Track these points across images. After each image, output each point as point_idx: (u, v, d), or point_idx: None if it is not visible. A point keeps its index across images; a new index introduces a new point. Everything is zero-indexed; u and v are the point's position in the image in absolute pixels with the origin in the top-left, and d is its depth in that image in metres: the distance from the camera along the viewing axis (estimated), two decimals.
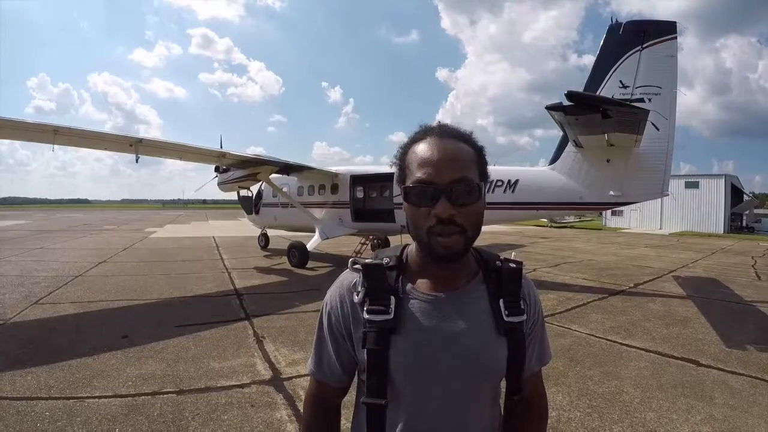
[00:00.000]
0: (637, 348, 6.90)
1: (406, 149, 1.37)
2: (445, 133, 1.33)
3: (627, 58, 10.70)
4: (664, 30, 10.55)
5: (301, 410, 1.76)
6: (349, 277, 1.42)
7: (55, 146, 10.62)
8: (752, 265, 17.78)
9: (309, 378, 1.55)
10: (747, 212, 52.68)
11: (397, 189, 1.34)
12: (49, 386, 5.07)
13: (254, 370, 5.74)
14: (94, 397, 4.82)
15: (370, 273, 1.35)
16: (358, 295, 1.35)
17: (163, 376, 5.45)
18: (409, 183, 1.29)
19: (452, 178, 1.24)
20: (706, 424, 4.54)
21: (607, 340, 7.28)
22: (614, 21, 11.12)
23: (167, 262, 15.82)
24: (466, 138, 1.35)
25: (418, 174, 1.27)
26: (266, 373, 5.63)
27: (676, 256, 20.32)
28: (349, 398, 1.51)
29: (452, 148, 1.29)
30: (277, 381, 5.40)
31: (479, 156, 1.35)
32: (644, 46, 10.54)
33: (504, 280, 1.40)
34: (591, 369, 5.98)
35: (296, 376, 5.50)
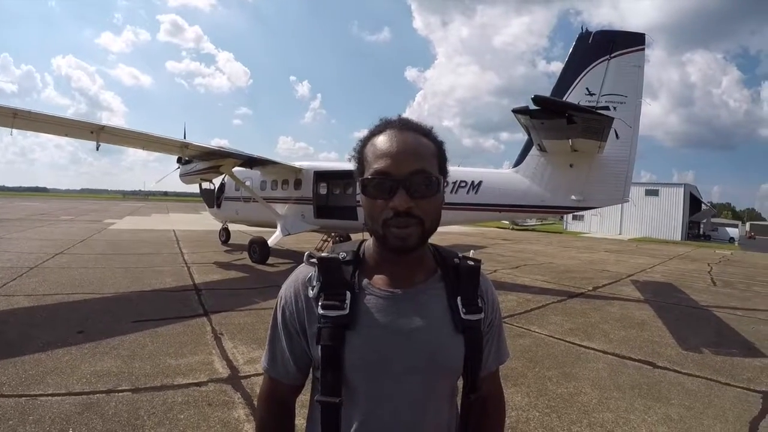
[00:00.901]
0: (596, 350, 7.02)
1: (365, 142, 1.34)
2: (405, 126, 1.31)
3: (595, 66, 10.90)
4: (633, 41, 10.79)
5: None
6: (304, 271, 1.39)
7: (14, 130, 10.33)
8: (708, 272, 18.36)
9: (263, 375, 1.51)
10: (704, 221, 54.42)
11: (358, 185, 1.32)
12: (1, 383, 4.87)
13: (212, 368, 5.63)
14: (48, 395, 4.65)
15: (326, 267, 1.32)
16: (313, 290, 1.31)
17: (119, 373, 5.30)
18: (366, 175, 1.27)
19: (411, 169, 1.22)
20: (663, 424, 4.63)
21: (565, 341, 7.39)
22: (584, 30, 11.32)
23: (126, 255, 15.48)
24: (426, 132, 1.33)
25: (376, 165, 1.24)
26: (224, 371, 5.53)
27: (635, 261, 20.82)
28: (305, 396, 1.48)
29: (412, 141, 1.27)
30: (234, 379, 5.31)
31: (439, 151, 1.33)
32: (612, 55, 10.76)
33: (462, 277, 1.38)
34: (550, 370, 6.05)
35: (254, 375, 5.41)
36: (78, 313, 7.77)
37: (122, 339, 6.49)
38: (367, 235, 1.40)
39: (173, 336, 6.76)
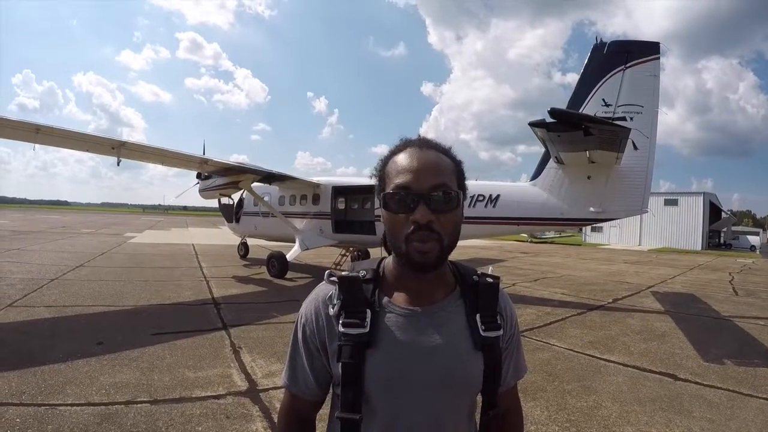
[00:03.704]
0: (616, 362, 6.94)
1: (386, 160, 1.37)
2: (424, 144, 1.35)
3: (610, 77, 10.85)
4: (648, 50, 10.74)
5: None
6: (324, 289, 1.41)
7: (37, 145, 10.51)
8: (729, 281, 18.11)
9: (284, 390, 1.52)
10: (725, 229, 53.73)
11: (378, 201, 1.34)
12: (21, 392, 4.94)
13: (230, 380, 5.65)
14: (67, 405, 4.70)
15: (346, 286, 1.34)
16: (333, 308, 1.33)
17: (138, 384, 5.34)
18: (388, 190, 1.30)
19: (431, 183, 1.25)
20: None
21: (585, 354, 7.32)
22: (599, 41, 11.30)
23: (145, 268, 15.61)
24: (445, 150, 1.37)
25: (398, 180, 1.27)
26: (242, 384, 5.55)
27: (655, 272, 20.58)
28: (324, 411, 1.49)
29: (433, 157, 1.30)
30: (253, 392, 5.32)
31: (457, 168, 1.37)
32: (627, 65, 10.71)
33: (481, 294, 1.39)
34: (569, 383, 5.99)
35: (273, 388, 5.42)
36: (98, 325, 7.86)
37: (141, 351, 6.55)
38: (385, 251, 1.41)
39: (192, 349, 6.80)
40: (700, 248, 44.82)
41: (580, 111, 10.83)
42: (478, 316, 1.35)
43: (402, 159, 1.31)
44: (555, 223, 12.22)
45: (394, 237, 1.29)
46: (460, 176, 1.36)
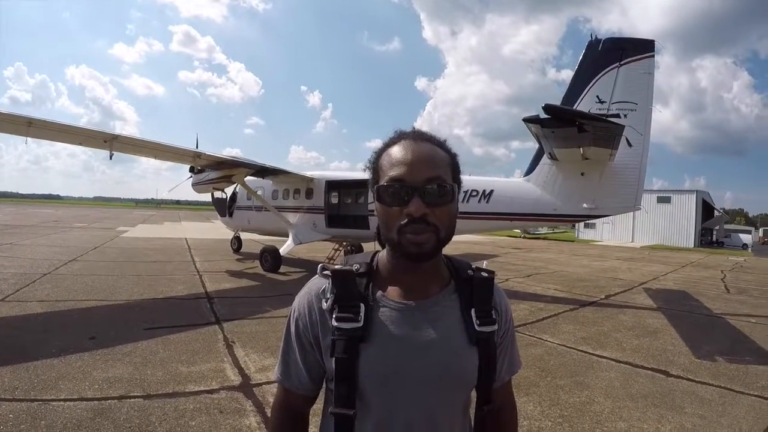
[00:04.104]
0: (608, 358, 6.97)
1: (380, 152, 1.36)
2: (419, 136, 1.33)
3: (605, 74, 10.86)
4: (642, 48, 10.74)
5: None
6: (317, 283, 1.39)
7: (29, 139, 10.45)
8: (721, 279, 18.20)
9: (277, 385, 1.51)
10: (717, 227, 53.95)
11: (371, 195, 1.32)
12: (13, 388, 4.92)
13: (223, 375, 5.64)
14: (60, 400, 4.69)
15: (340, 279, 1.32)
16: (326, 302, 1.32)
17: (131, 379, 5.32)
18: (382, 183, 1.28)
19: (426, 176, 1.23)
20: None
21: (578, 350, 7.34)
22: (594, 38, 11.29)
23: (138, 262, 15.55)
24: (440, 143, 1.35)
25: (392, 173, 1.26)
26: (236, 379, 5.54)
27: (647, 269, 20.66)
28: (317, 405, 1.48)
29: (427, 150, 1.29)
30: (246, 387, 5.32)
31: (453, 161, 1.35)
32: (622, 62, 10.72)
33: (476, 289, 1.38)
34: (562, 379, 6.01)
35: (266, 383, 5.42)
36: (90, 320, 7.84)
37: (134, 346, 6.53)
38: (378, 245, 1.40)
39: (185, 343, 6.79)
40: (692, 246, 44.99)
41: (574, 107, 10.84)
42: (473, 310, 1.34)
43: (396, 151, 1.29)
44: (548, 219, 12.24)
45: (387, 229, 1.28)
46: (455, 169, 1.34)
